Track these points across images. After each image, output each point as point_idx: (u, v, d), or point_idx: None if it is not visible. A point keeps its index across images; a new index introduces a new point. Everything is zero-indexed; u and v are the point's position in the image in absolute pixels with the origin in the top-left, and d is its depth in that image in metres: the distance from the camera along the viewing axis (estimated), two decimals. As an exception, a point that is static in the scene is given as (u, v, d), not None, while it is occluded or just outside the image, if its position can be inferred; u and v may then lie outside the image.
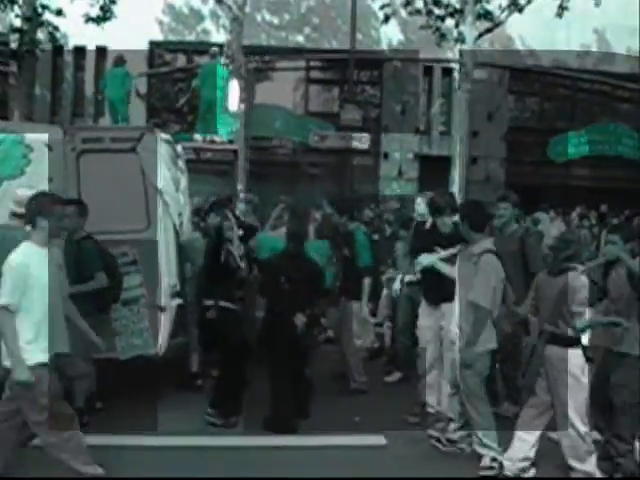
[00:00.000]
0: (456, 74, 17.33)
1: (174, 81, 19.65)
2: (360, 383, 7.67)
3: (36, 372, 4.57)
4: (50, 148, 6.78)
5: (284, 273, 6.52)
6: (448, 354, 5.86)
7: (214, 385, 6.70)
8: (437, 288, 6.06)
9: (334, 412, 6.81)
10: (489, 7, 16.45)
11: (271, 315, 6.68)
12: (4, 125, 8.13)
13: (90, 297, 6.12)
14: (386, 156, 19.61)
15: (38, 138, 6.85)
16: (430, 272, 6.02)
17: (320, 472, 5.39)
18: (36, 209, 4.71)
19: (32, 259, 4.64)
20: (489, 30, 17.31)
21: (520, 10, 16.45)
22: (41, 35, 15.76)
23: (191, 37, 18.93)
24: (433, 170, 18.46)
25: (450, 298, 5.76)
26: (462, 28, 16.49)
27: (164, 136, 7.45)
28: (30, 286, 4.57)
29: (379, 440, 6.10)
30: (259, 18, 18.89)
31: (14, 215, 5.88)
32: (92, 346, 5.53)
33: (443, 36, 16.92)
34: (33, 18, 15.13)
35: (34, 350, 4.59)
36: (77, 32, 16.67)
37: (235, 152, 15.67)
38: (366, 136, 16.25)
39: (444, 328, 6.00)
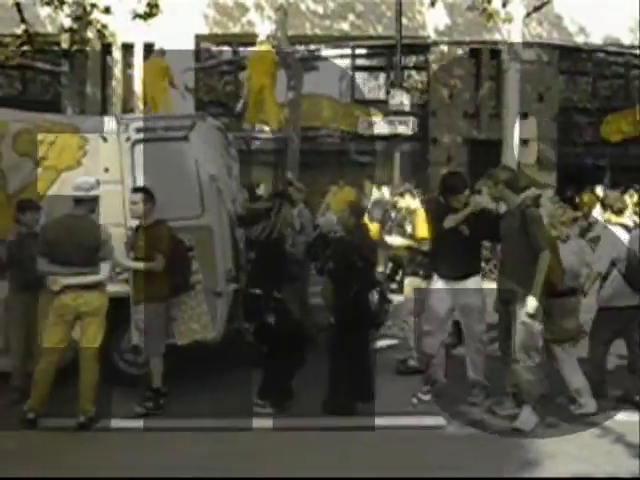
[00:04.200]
0: (504, 55, 16.99)
1: (221, 74, 19.77)
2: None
3: None
4: (104, 139, 6.91)
5: (357, 252, 6.34)
6: None
7: (264, 375, 6.39)
8: None
9: (392, 393, 6.75)
10: (537, -16, 16.17)
11: (348, 297, 6.36)
12: (59, 118, 8.29)
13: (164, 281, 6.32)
14: (435, 141, 19.40)
15: (92, 129, 7.01)
16: None
17: (376, 453, 5.42)
18: None
19: None
20: (537, 8, 16.99)
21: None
22: (90, 34, 16.03)
23: (236, 29, 18.98)
24: (483, 154, 18.20)
25: None
26: (509, 8, 16.18)
27: (215, 123, 7.51)
28: None
29: (438, 421, 6.07)
30: (303, 7, 18.85)
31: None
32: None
33: (490, 17, 16.61)
34: (83, 17, 15.39)
35: None
36: (125, 29, 16.86)
37: (285, 141, 15.77)
38: (413, 120, 16.14)
39: None
